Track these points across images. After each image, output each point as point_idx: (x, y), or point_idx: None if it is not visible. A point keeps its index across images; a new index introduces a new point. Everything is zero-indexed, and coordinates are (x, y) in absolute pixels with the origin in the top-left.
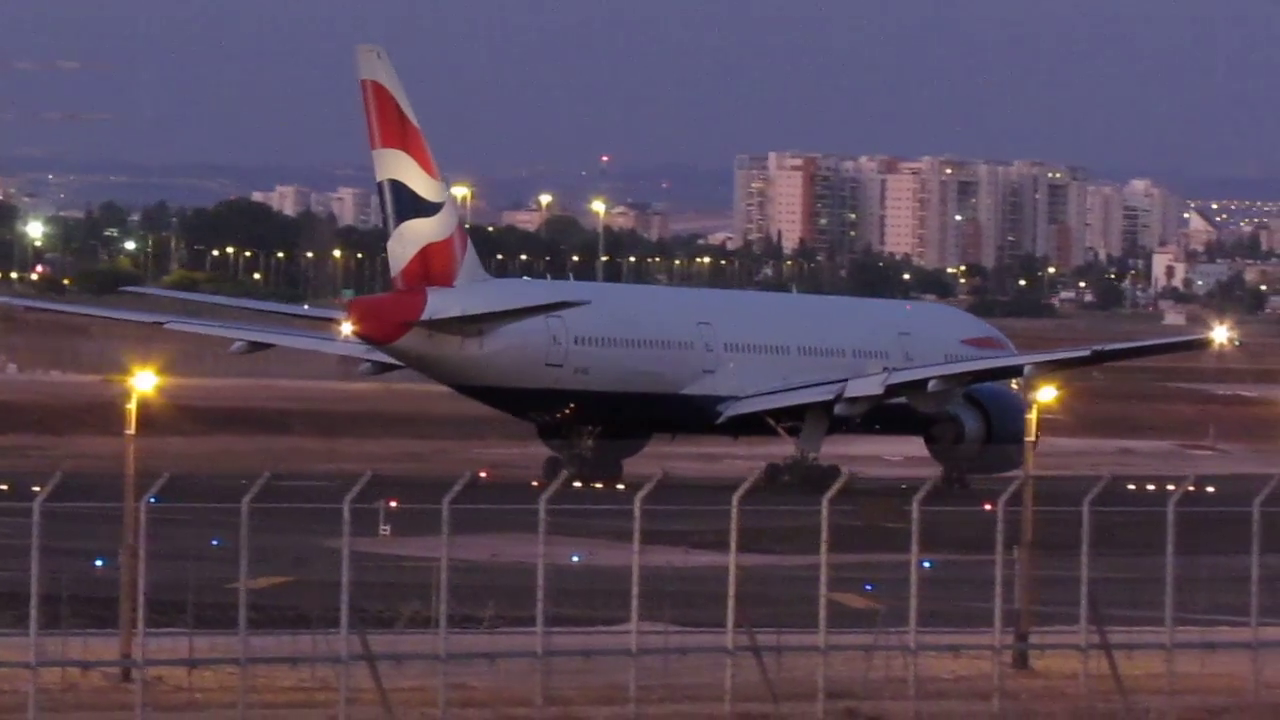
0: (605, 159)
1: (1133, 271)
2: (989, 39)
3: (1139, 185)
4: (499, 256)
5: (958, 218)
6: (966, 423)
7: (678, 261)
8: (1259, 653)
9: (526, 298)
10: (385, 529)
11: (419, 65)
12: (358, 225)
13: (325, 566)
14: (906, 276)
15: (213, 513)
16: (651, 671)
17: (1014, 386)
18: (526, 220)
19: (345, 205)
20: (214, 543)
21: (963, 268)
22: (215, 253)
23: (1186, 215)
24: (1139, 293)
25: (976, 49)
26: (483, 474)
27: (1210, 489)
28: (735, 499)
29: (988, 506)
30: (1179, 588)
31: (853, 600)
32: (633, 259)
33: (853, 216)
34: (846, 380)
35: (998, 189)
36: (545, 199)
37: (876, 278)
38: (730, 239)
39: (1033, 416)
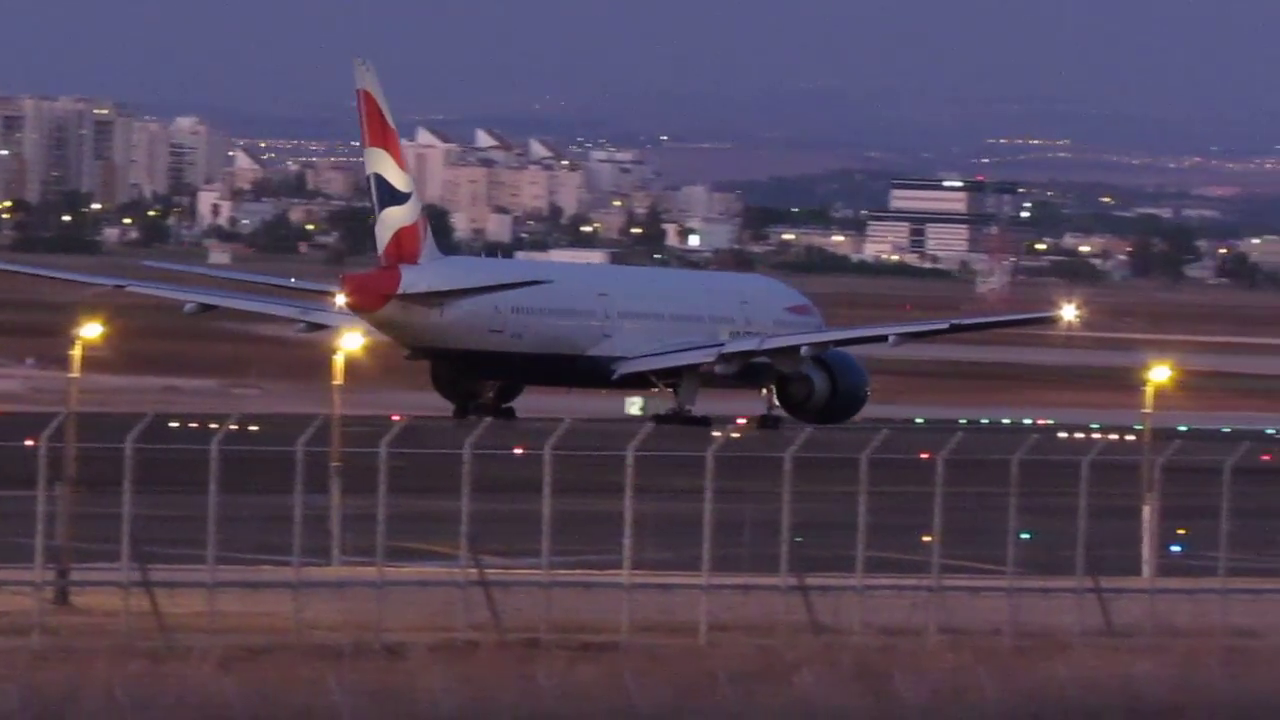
0: None
1: (178, 209)
2: None
3: (186, 122)
4: None
5: (3, 153)
6: (815, 380)
7: None
8: (300, 592)
9: (485, 275)
10: None
11: None
12: None
13: None
14: None
15: None
16: None
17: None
18: None
19: None
20: None
21: (8, 203)
22: None
23: (233, 153)
24: (184, 230)
25: None
26: None
27: (254, 428)
28: None
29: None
30: (224, 527)
31: None
32: None
33: None
34: (722, 344)
35: (43, 124)
36: None
37: None
38: None
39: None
